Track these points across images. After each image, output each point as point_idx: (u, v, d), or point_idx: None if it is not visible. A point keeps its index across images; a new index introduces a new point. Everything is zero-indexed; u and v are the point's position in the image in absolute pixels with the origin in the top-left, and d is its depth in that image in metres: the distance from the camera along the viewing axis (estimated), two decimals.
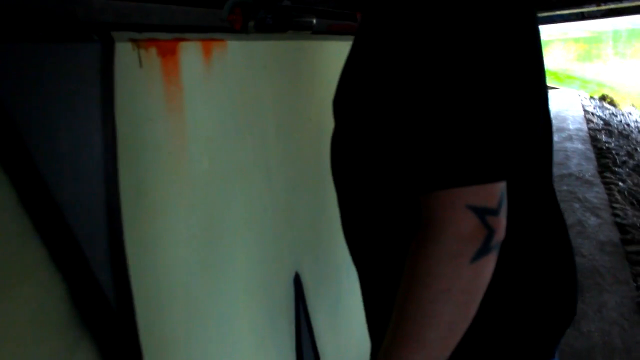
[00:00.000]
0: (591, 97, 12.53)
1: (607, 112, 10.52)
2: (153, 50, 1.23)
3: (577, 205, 4.51)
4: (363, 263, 0.96)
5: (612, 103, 12.28)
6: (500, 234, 0.68)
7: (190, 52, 1.32)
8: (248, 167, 1.50)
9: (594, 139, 7.25)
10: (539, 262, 0.85)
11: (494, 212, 0.67)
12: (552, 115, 0.87)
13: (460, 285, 0.66)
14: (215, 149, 1.41)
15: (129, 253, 1.13)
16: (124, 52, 1.16)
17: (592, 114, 9.64)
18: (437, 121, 0.68)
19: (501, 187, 0.68)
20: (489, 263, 0.67)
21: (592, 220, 4.16)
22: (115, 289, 1.10)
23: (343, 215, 0.99)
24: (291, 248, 1.75)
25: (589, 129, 8.08)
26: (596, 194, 4.79)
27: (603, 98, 12.75)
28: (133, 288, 1.14)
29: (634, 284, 3.28)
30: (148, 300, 1.17)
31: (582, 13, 8.08)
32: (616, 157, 6.33)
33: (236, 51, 1.47)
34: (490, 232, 0.66)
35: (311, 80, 1.86)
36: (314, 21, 1.77)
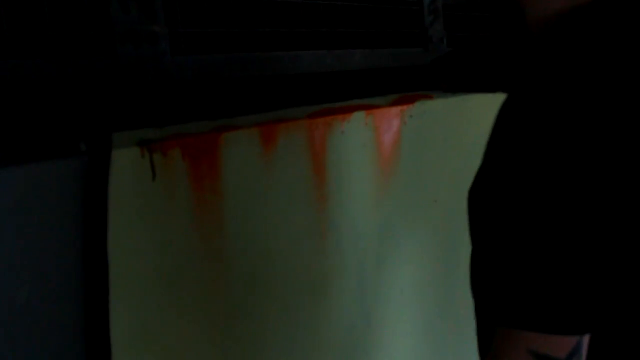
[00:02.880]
0: None
1: None
2: (175, 154, 0.91)
3: None
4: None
5: None
6: None
7: (239, 144, 0.99)
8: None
9: None
10: None
11: None
12: None
13: None
14: (282, 269, 1.06)
15: None
16: (129, 161, 0.87)
17: None
18: (526, 263, 0.63)
19: (577, 340, 0.62)
20: None
21: None
22: None
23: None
24: None
25: None
26: None
27: None
28: None
29: None
30: None
31: None
32: None
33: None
34: None
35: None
36: None
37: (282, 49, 1.44)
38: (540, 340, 0.62)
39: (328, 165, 1.12)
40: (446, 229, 1.45)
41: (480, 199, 0.72)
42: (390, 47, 1.70)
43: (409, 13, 1.78)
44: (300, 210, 1.09)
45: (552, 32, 0.73)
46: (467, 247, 1.52)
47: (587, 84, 0.63)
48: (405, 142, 1.28)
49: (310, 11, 1.50)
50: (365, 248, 1.22)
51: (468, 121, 1.49)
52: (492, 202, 0.67)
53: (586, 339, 0.64)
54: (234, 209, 0.99)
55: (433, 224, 1.40)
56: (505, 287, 0.64)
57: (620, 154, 0.61)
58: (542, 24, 0.75)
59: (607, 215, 0.61)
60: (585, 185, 0.61)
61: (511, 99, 0.69)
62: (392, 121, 1.23)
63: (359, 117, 1.16)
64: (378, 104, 1.23)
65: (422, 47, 1.81)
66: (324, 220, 1.13)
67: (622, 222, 0.62)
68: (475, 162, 1.51)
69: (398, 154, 1.26)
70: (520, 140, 0.64)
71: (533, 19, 0.77)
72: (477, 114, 1.52)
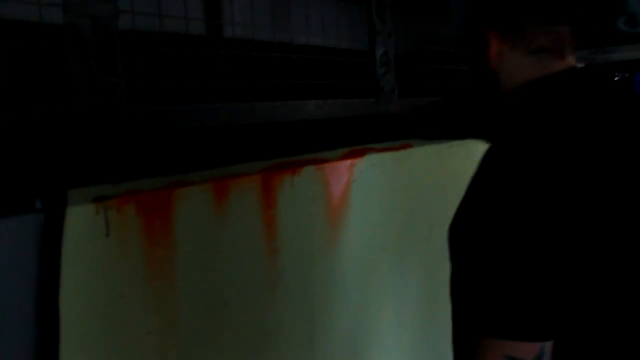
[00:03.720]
0: None
1: None
2: (129, 209, 0.94)
3: None
4: None
5: None
6: None
7: (192, 199, 1.03)
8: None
9: None
10: None
11: None
12: None
13: None
14: (236, 316, 1.09)
15: None
16: (84, 218, 0.89)
17: None
18: (501, 285, 0.80)
19: (540, 345, 0.80)
20: None
21: None
22: None
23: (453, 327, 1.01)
24: None
25: None
26: None
27: None
28: None
29: None
30: None
31: None
32: None
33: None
34: None
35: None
36: None
37: (239, 100, 1.49)
38: (513, 346, 0.79)
39: (278, 218, 1.16)
40: (394, 277, 1.51)
41: (462, 231, 0.88)
42: (343, 97, 1.76)
43: (361, 65, 1.86)
44: (251, 262, 1.12)
45: (523, 96, 0.95)
46: (414, 294, 1.58)
47: (551, 141, 0.83)
48: (354, 194, 1.33)
49: (266, 63, 1.56)
50: (314, 298, 1.26)
51: (415, 173, 1.56)
52: (473, 234, 0.84)
53: (548, 345, 0.81)
54: (187, 262, 1.02)
55: (381, 273, 1.45)
56: (486, 306, 0.81)
57: (572, 192, 0.80)
58: (513, 89, 0.97)
59: (563, 246, 0.79)
60: (549, 219, 0.79)
61: (490, 151, 0.88)
62: (341, 174, 1.29)
63: (308, 171, 1.21)
64: (327, 157, 1.29)
65: (374, 97, 1.89)
66: (274, 272, 1.17)
67: (575, 250, 0.80)
68: (421, 210, 1.58)
69: (347, 206, 1.32)
70: (497, 185, 0.82)
71: (506, 85, 0.98)
72: (424, 165, 1.60)
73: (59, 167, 1.06)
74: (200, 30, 1.65)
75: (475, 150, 1.74)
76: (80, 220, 0.89)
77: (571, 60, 0.97)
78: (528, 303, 0.79)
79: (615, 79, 3.78)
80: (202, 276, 1.05)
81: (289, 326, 1.20)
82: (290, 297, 1.20)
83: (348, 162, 1.31)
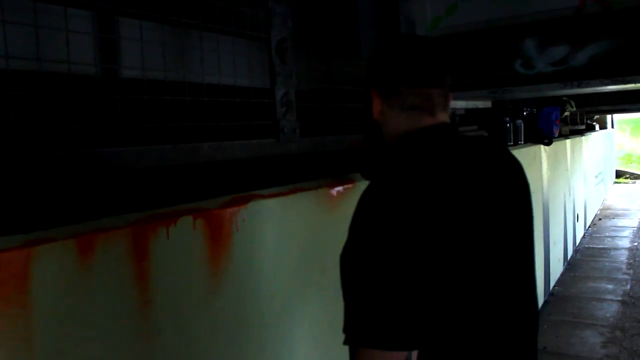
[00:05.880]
0: None
1: None
2: None
3: None
4: None
5: None
6: None
7: (53, 256, 0.99)
8: None
9: None
10: None
11: None
12: None
13: None
14: None
15: None
16: None
17: None
18: (370, 302, 0.96)
19: (406, 354, 0.98)
20: None
21: None
22: None
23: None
24: None
25: None
26: None
27: None
28: None
29: None
30: None
31: None
32: None
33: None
34: None
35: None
36: None
37: (126, 144, 1.45)
38: (383, 355, 0.95)
39: (152, 271, 1.13)
40: (284, 322, 1.50)
41: (344, 259, 1.01)
42: (242, 138, 1.75)
43: (261, 105, 1.86)
44: (120, 316, 1.09)
45: (398, 144, 1.12)
46: (308, 336, 1.57)
47: (412, 181, 1.00)
48: (238, 242, 1.32)
49: (157, 106, 1.53)
50: (195, 349, 1.23)
51: (305, 216, 1.57)
52: (351, 261, 0.99)
53: (414, 353, 0.99)
54: (46, 322, 0.98)
55: (270, 319, 1.44)
56: (360, 320, 0.96)
57: (427, 220, 0.96)
58: (393, 139, 1.14)
59: (422, 264, 0.95)
60: (407, 241, 0.95)
61: (365, 191, 1.03)
62: (223, 224, 1.28)
63: (186, 221, 1.20)
64: (207, 206, 1.27)
65: (275, 137, 1.89)
66: (148, 325, 1.14)
67: (432, 268, 0.96)
68: (314, 253, 1.58)
69: (230, 255, 1.31)
70: (365, 219, 0.99)
71: (388, 135, 1.16)
72: (315, 209, 1.61)
73: None
74: (90, 72, 1.61)
75: None
76: None
77: (442, 116, 1.13)
78: (393, 318, 0.94)
79: (524, 113, 3.96)
80: (66, 334, 1.01)
81: None
82: (167, 349, 1.18)
83: (230, 210, 1.30)
